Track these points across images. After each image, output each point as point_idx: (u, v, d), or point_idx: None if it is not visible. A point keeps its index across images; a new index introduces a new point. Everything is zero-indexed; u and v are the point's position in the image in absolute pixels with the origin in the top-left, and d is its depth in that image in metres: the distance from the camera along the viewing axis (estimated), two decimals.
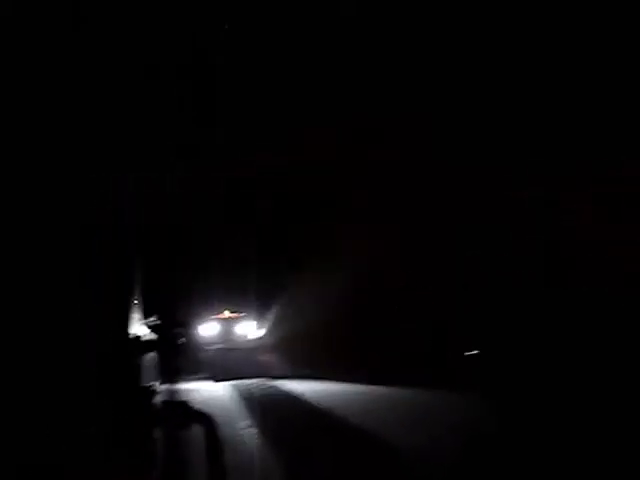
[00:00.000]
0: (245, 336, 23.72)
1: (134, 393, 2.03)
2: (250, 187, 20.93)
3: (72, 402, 1.89)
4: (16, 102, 1.82)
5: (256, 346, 23.11)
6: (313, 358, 20.18)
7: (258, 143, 16.17)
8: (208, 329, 23.61)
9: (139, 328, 2.42)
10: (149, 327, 2.32)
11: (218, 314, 23.96)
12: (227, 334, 23.53)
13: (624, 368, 12.12)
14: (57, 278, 1.93)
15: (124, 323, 2.05)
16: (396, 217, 17.40)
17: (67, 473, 1.91)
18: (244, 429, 10.91)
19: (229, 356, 21.74)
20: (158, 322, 2.33)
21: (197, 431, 2.25)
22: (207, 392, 17.40)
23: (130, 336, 2.12)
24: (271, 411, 13.04)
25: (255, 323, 24.17)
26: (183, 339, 2.24)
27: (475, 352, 16.66)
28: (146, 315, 2.42)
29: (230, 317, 24.08)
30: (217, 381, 20.12)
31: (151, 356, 2.62)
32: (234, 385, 18.45)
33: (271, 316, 23.82)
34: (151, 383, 2.47)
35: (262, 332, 24.03)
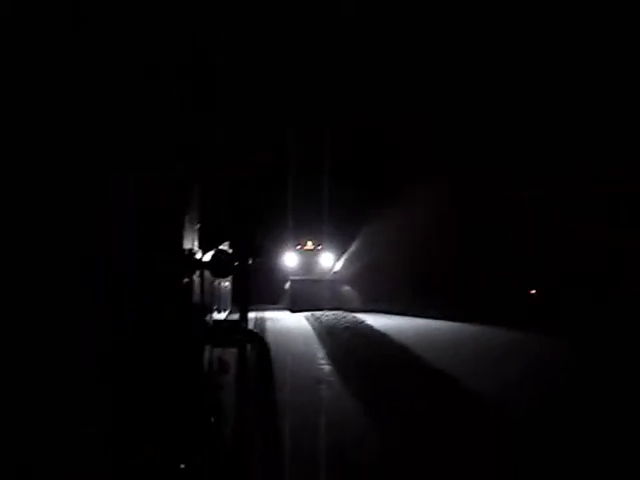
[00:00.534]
0: (325, 268, 23.89)
1: (185, 314, 1.91)
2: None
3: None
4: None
5: (334, 278, 23.25)
6: (389, 293, 20.17)
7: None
8: (290, 259, 23.92)
9: (205, 251, 2.28)
10: (216, 251, 2.19)
11: (300, 245, 24.18)
12: (307, 265, 23.77)
13: None
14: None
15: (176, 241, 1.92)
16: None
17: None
18: (315, 364, 10.97)
19: (307, 287, 21.91)
20: (226, 248, 2.19)
21: (247, 354, 2.13)
22: (281, 321, 17.72)
23: (184, 251, 1.99)
24: (344, 345, 13.04)
25: (335, 256, 24.27)
26: (251, 264, 2.10)
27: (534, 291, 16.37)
28: (214, 240, 2.28)
29: (311, 249, 24.26)
30: (294, 311, 20.41)
31: (214, 281, 2.48)
32: (310, 316, 18.62)
33: (351, 250, 23.85)
34: (211, 306, 2.33)
35: (341, 265, 24.13)
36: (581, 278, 14.49)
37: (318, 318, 17.98)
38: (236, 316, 2.30)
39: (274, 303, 21.29)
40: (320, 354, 11.66)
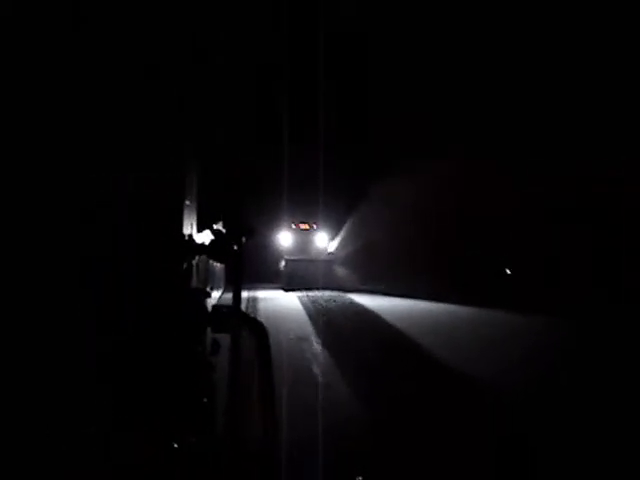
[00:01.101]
0: (320, 248, 23.88)
1: (183, 294, 1.92)
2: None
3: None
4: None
5: (330, 259, 23.25)
6: (384, 274, 20.21)
7: None
8: (284, 238, 23.87)
9: (199, 233, 2.29)
10: (212, 232, 2.20)
11: (295, 224, 24.11)
12: (302, 244, 23.73)
13: None
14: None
15: (176, 224, 1.92)
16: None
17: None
18: (305, 342, 11.02)
19: (301, 267, 21.86)
20: (220, 228, 2.19)
21: (245, 336, 2.15)
22: (275, 300, 17.75)
23: (184, 237, 2.00)
24: (337, 324, 13.09)
25: (330, 235, 24.24)
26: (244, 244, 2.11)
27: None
28: (208, 220, 2.29)
29: (307, 228, 24.20)
30: (287, 290, 20.44)
31: (212, 263, 2.50)
32: (303, 296, 18.66)
33: (347, 229, 23.85)
34: (205, 286, 2.35)
35: (337, 244, 24.12)
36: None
37: (312, 298, 18.01)
38: (229, 295, 2.31)
39: (267, 282, 21.27)
40: (313, 337, 11.71)
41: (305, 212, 23.73)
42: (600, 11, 12.93)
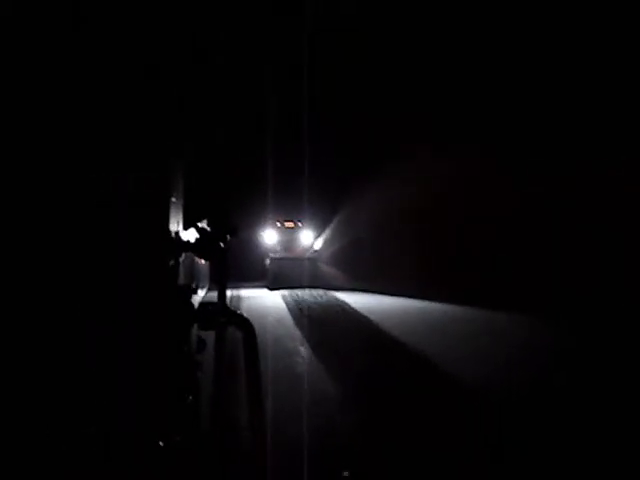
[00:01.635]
0: (305, 245, 23.86)
1: (168, 291, 1.93)
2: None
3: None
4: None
5: (315, 257, 23.24)
6: (370, 271, 20.24)
7: None
8: (269, 236, 23.81)
9: (185, 231, 2.29)
10: (197, 230, 2.20)
11: (279, 222, 24.05)
12: (287, 242, 23.68)
13: None
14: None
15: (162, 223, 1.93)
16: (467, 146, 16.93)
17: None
18: (293, 341, 11.01)
19: (286, 265, 21.83)
20: (205, 226, 2.19)
21: (233, 334, 2.16)
22: (259, 299, 17.71)
23: (171, 234, 2.01)
24: (321, 323, 13.08)
25: (316, 233, 24.22)
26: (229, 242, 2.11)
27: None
28: (193, 218, 2.29)
29: (292, 226, 24.15)
30: (272, 289, 20.41)
31: (194, 259, 2.50)
32: (288, 294, 18.65)
33: (333, 226, 23.85)
34: (192, 284, 2.35)
35: (322, 242, 24.11)
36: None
37: (296, 297, 17.98)
38: (214, 294, 2.31)
39: (252, 280, 21.25)
40: (298, 338, 11.72)
41: (291, 208, 23.70)
42: (600, 11, 12.98)
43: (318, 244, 24.15)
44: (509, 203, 15.64)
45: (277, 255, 22.64)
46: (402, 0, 17.84)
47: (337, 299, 17.60)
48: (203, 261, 2.86)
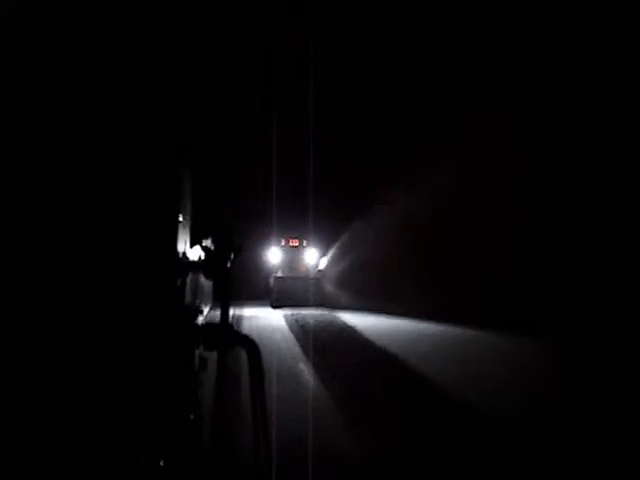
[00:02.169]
0: (309, 265, 23.76)
1: (175, 311, 1.93)
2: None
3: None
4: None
5: (318, 276, 23.14)
6: (376, 292, 20.13)
7: None
8: (273, 255, 23.75)
9: (190, 249, 2.31)
10: (202, 248, 2.22)
11: (284, 241, 23.99)
12: (292, 262, 23.59)
13: None
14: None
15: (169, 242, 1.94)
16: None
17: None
18: (296, 360, 10.97)
19: (290, 284, 21.77)
20: (209, 245, 2.21)
21: (238, 355, 2.16)
22: (263, 318, 17.63)
23: (178, 254, 2.02)
24: (325, 343, 12.99)
25: (320, 253, 24.15)
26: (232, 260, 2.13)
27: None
28: (199, 237, 2.31)
29: (296, 245, 24.08)
30: (275, 307, 20.36)
31: (200, 278, 2.52)
32: (291, 314, 18.58)
33: (337, 246, 23.77)
34: (196, 303, 2.37)
35: (327, 262, 24.01)
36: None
37: (298, 318, 17.83)
38: (217, 312, 2.31)
39: (256, 299, 21.18)
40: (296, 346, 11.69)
41: (295, 228, 23.68)
42: (600, 10, 12.97)
43: (323, 263, 24.07)
44: (514, 225, 15.64)
45: (281, 274, 22.56)
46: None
47: (340, 319, 17.52)
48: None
